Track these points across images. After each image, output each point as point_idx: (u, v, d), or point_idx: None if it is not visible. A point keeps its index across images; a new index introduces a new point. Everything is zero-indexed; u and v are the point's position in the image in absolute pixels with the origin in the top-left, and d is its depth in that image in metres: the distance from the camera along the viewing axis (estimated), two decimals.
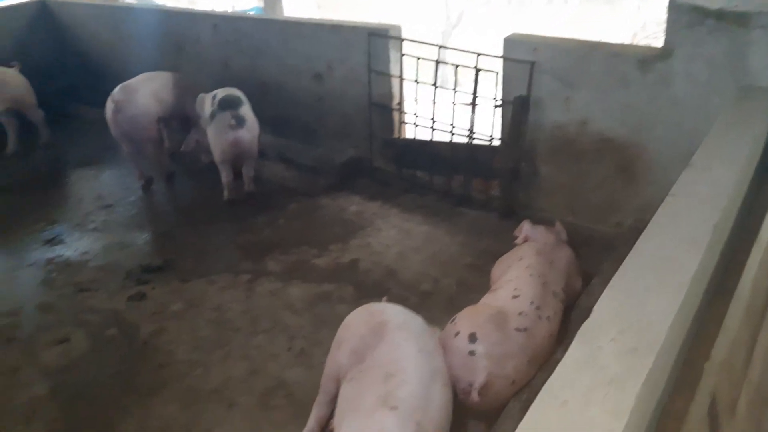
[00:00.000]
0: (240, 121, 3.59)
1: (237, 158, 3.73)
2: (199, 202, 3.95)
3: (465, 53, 3.36)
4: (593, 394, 1.06)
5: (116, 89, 3.82)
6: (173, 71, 4.34)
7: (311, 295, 2.95)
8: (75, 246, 3.51)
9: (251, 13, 5.43)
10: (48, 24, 5.50)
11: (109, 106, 3.77)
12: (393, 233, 3.43)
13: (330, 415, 2.11)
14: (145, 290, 3.06)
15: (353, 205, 3.76)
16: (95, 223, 3.76)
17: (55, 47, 5.54)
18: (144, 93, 3.88)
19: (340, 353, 2.04)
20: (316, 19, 4.15)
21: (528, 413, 1.03)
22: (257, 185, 3.94)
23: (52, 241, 3.57)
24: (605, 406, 1.03)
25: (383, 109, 3.80)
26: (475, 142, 3.49)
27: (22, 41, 5.32)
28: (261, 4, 5.69)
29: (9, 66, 4.65)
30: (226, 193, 3.82)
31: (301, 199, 3.86)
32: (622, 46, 3.20)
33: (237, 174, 3.87)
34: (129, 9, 5.48)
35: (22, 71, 4.70)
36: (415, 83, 3.59)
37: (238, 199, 3.84)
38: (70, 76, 5.57)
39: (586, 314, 1.28)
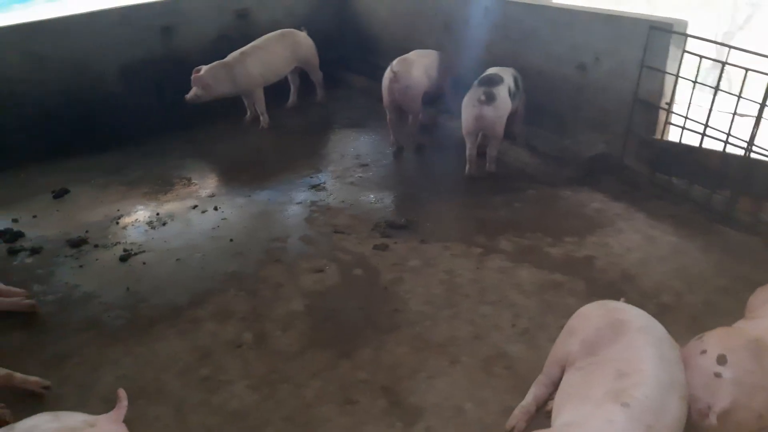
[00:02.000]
0: (490, 98, 3.71)
1: (481, 133, 3.89)
2: (443, 173, 4.19)
3: (759, 57, 3.02)
4: None
5: (395, 61, 4.21)
6: (439, 50, 4.66)
7: (541, 281, 2.98)
8: (335, 194, 3.99)
9: None
10: None
11: (388, 75, 4.17)
12: (636, 237, 3.27)
13: (548, 397, 2.14)
14: (389, 243, 3.38)
15: (595, 201, 3.66)
16: (353, 177, 4.22)
17: (336, 19, 6.22)
18: (418, 67, 4.25)
19: (571, 341, 2.05)
20: (590, 8, 4.04)
21: None
22: (499, 167, 4.04)
23: (316, 187, 4.10)
24: None
25: (648, 107, 3.60)
26: (753, 156, 3.13)
27: (312, 11, 6.07)
28: None
29: (299, 30, 5.39)
30: (467, 168, 4.00)
31: (541, 187, 3.87)
32: None
33: (481, 153, 4.02)
34: None
35: (311, 36, 5.41)
36: (693, 84, 3.33)
37: (478, 175, 4.00)
38: (346, 47, 6.23)
39: None
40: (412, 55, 4.37)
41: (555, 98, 4.18)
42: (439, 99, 4.75)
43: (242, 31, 5.63)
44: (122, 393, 1.76)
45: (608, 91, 3.83)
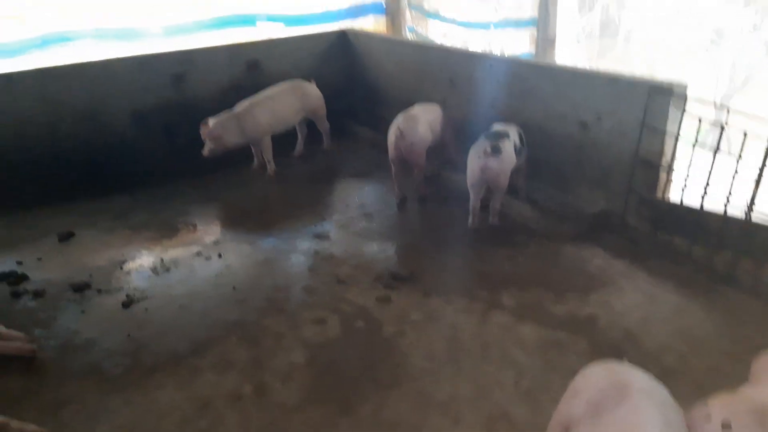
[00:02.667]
0: (495, 151, 3.80)
1: (485, 185, 3.96)
2: (446, 225, 4.23)
3: (756, 119, 3.10)
4: None
5: (400, 118, 4.33)
6: (441, 104, 4.79)
7: (543, 339, 2.97)
8: (339, 244, 4.02)
9: (522, 57, 5.64)
10: (343, 51, 6.37)
11: (394, 131, 4.26)
12: (637, 296, 3.28)
13: None
14: (391, 295, 3.39)
15: (597, 258, 3.68)
16: (357, 227, 4.26)
17: (345, 72, 6.39)
18: (423, 123, 4.34)
19: (575, 402, 2.03)
20: (592, 69, 4.17)
21: None
22: (502, 220, 4.09)
23: (321, 236, 4.13)
24: None
25: (649, 167, 3.67)
26: (753, 218, 3.17)
27: (320, 63, 6.24)
28: (531, 50, 5.87)
29: (308, 81, 5.53)
30: (471, 220, 4.05)
31: (543, 242, 3.90)
32: None
33: (484, 206, 4.08)
34: (412, 44, 6.09)
35: (319, 88, 5.56)
36: (693, 146, 3.40)
37: (481, 228, 4.04)
38: (353, 99, 6.38)
39: None
40: (417, 110, 4.46)
41: (557, 154, 4.26)
42: (442, 151, 4.84)
43: (252, 81, 5.78)
44: None
45: (609, 150, 3.91)
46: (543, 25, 5.71)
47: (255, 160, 5.36)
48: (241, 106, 5.04)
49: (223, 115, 4.92)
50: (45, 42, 5.90)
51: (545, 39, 5.70)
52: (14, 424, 2.39)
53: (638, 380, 1.99)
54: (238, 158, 5.33)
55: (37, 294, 3.50)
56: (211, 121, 4.83)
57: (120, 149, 5.22)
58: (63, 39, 5.97)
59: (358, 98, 6.37)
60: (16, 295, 3.51)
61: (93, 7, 5.98)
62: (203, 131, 4.79)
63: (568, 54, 6.33)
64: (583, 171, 4.13)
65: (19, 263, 3.86)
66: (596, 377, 2.07)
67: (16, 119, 4.86)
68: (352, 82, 6.38)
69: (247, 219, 4.43)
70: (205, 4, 6.39)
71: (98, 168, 5.09)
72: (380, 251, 3.94)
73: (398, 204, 4.54)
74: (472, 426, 2.44)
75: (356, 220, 4.37)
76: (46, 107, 4.95)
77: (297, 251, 3.96)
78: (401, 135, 4.21)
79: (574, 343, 2.93)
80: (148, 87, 5.34)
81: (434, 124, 4.50)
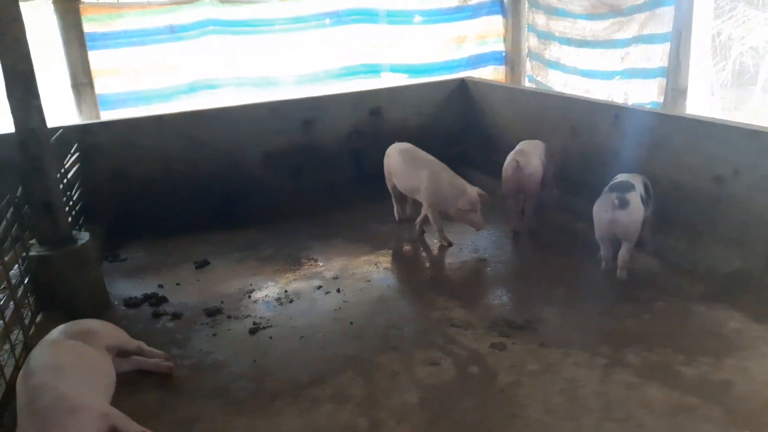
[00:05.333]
0: (623, 204, 3.72)
1: (614, 237, 3.91)
2: (564, 273, 4.13)
3: None
4: None
5: (515, 152, 4.59)
6: (560, 150, 4.83)
7: (672, 402, 2.78)
8: (451, 287, 4.06)
9: (648, 107, 5.47)
10: (462, 98, 6.51)
11: (511, 164, 4.50)
12: None
13: None
14: (506, 342, 3.34)
15: (733, 321, 3.41)
16: (470, 271, 4.29)
17: (463, 117, 6.50)
18: (535, 156, 4.61)
19: None
20: (728, 121, 3.97)
21: None
22: (628, 274, 3.93)
23: (434, 278, 4.20)
24: None
25: None
26: None
27: (438, 109, 6.43)
28: (659, 100, 5.68)
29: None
30: (603, 265, 4.04)
31: (671, 300, 3.68)
32: None
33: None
34: (531, 92, 6.12)
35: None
36: None
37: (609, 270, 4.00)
38: (468, 143, 6.47)
39: None
40: (525, 145, 4.71)
41: (688, 209, 4.05)
42: (546, 186, 4.90)
43: (374, 126, 6.07)
44: None
45: (748, 206, 3.66)
46: (673, 74, 5.54)
47: (401, 209, 5.22)
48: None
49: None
50: (192, 89, 6.60)
51: (675, 89, 5.52)
52: None
53: None
54: (355, 200, 5.56)
55: (175, 316, 3.82)
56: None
57: (252, 187, 5.65)
58: (208, 86, 6.64)
59: (473, 145, 6.44)
60: (156, 316, 3.85)
61: (234, 59, 6.62)
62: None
63: (700, 105, 6.04)
64: (718, 227, 3.89)
65: (161, 286, 4.24)
66: None
67: (165, 156, 5.43)
68: (469, 127, 6.49)
69: (364, 257, 4.58)
70: (335, 56, 6.85)
71: (232, 203, 5.52)
72: (494, 297, 3.92)
73: (513, 237, 4.74)
74: None
75: (469, 264, 4.38)
76: (191, 146, 5.49)
77: (411, 291, 4.03)
78: (518, 167, 4.45)
79: (707, 409, 2.72)
80: (280, 130, 5.76)
81: (542, 156, 4.73)
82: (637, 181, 3.94)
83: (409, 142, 5.05)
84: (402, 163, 4.78)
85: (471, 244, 4.69)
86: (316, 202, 5.51)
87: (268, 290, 4.11)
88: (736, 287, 3.66)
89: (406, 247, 4.76)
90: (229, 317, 3.78)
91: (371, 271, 4.34)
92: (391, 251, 4.70)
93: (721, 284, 3.71)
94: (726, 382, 2.91)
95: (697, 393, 2.84)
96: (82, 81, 5.98)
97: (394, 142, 5.05)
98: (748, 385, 2.87)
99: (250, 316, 3.78)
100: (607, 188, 3.88)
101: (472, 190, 4.43)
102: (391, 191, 5.12)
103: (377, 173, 5.17)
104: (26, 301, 3.45)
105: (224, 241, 4.96)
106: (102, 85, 6.12)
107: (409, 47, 7.15)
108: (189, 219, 5.28)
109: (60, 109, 5.98)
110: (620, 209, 3.72)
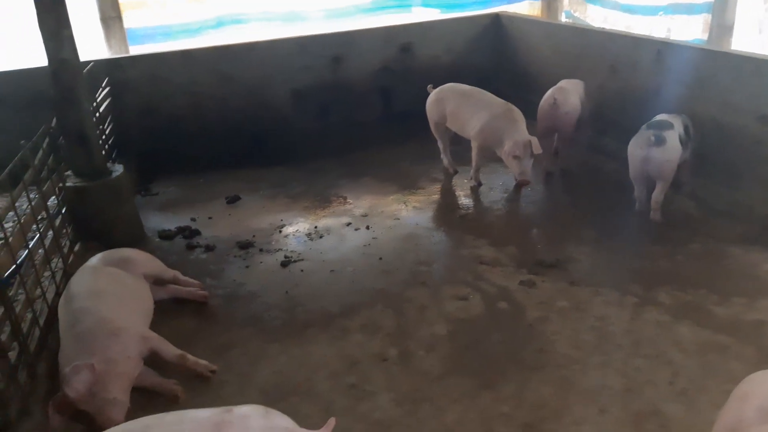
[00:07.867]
0: (659, 141, 3.61)
1: (648, 176, 3.79)
2: (603, 210, 4.09)
3: None
4: None
5: (554, 89, 4.50)
6: (598, 89, 4.65)
7: (703, 341, 2.78)
8: (481, 225, 4.05)
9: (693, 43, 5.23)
10: (495, 35, 6.28)
11: (548, 101, 4.42)
12: None
13: None
14: (536, 280, 3.34)
15: None
16: (501, 211, 4.27)
17: (496, 54, 6.28)
18: (574, 94, 4.51)
19: (745, 407, 1.89)
20: None
21: None
22: (662, 215, 3.85)
23: (464, 217, 4.18)
24: None
25: None
26: None
27: (469, 46, 6.21)
28: (703, 37, 5.42)
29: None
30: (636, 205, 3.97)
31: (706, 242, 3.61)
32: None
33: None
34: (570, 28, 5.89)
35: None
36: None
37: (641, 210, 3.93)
38: (502, 82, 6.28)
39: None
40: (565, 84, 4.61)
41: (729, 150, 3.91)
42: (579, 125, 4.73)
43: (403, 63, 5.92)
44: (332, 422, 1.83)
45: None
46: (719, 10, 5.27)
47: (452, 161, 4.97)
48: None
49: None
50: (220, 23, 6.50)
51: (721, 25, 5.26)
52: (190, 358, 2.70)
53: None
54: (384, 139, 5.51)
55: (208, 248, 3.89)
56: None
57: (280, 124, 5.61)
58: (235, 21, 6.53)
59: (506, 82, 6.26)
60: (190, 248, 3.93)
61: None
62: None
63: (747, 43, 5.74)
64: (758, 168, 3.76)
65: (193, 220, 4.30)
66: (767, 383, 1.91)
67: (194, 92, 5.40)
68: (502, 65, 6.29)
69: (393, 195, 4.57)
70: None
71: (261, 140, 5.51)
72: (524, 237, 3.90)
73: (545, 178, 4.66)
74: (620, 419, 2.36)
75: (501, 203, 4.35)
76: (220, 82, 5.44)
77: (439, 230, 4.03)
78: (556, 104, 4.37)
79: (739, 348, 2.71)
80: (309, 66, 5.66)
81: (581, 96, 4.63)
82: (677, 121, 3.80)
83: (440, 80, 4.92)
84: (463, 105, 4.58)
85: (501, 185, 4.64)
86: (344, 141, 5.47)
87: (298, 226, 4.15)
88: None
89: (435, 187, 4.72)
90: (261, 250, 3.83)
91: (400, 209, 4.33)
92: (419, 190, 4.67)
93: (759, 226, 3.63)
94: (759, 322, 2.88)
95: (729, 332, 2.82)
96: (110, 15, 5.93)
97: (426, 81, 4.93)
98: None
99: (281, 249, 3.83)
100: (644, 126, 3.74)
101: (521, 136, 4.14)
102: (439, 138, 4.86)
103: (406, 111, 5.08)
104: (64, 230, 3.54)
105: (254, 178, 4.98)
106: (130, 19, 6.06)
107: None
108: (219, 156, 5.31)
109: (89, 44, 5.95)
110: (655, 146, 3.60)
